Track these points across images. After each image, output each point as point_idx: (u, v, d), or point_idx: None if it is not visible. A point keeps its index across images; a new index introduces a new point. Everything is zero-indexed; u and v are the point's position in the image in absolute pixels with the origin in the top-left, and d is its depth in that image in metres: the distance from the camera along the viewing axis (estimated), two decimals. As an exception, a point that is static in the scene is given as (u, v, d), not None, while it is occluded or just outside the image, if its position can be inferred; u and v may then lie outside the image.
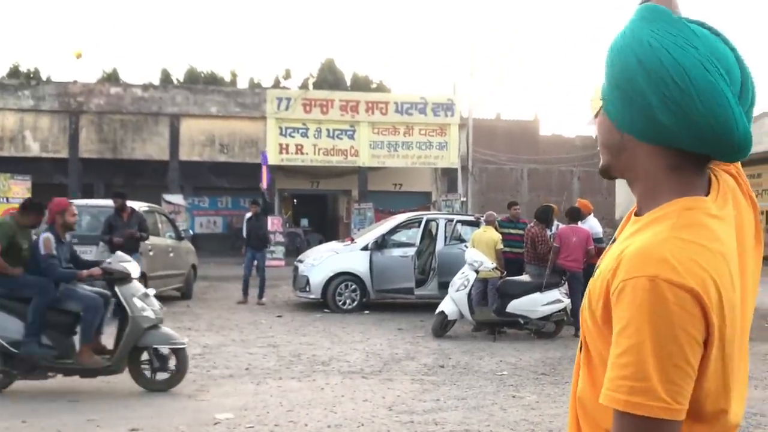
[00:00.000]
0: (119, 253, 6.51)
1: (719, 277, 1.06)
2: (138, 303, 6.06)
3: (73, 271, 6.21)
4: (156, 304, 6.29)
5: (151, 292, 6.42)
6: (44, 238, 6.10)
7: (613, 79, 1.16)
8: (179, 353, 6.20)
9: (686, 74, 1.08)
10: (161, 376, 6.20)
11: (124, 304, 6.03)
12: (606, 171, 1.29)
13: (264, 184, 15.64)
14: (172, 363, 6.21)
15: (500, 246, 10.10)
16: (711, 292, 1.04)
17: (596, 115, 1.25)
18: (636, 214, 1.23)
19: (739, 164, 1.27)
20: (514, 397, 6.19)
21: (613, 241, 1.30)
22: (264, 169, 17.63)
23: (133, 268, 6.30)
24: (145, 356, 6.18)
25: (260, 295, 12.24)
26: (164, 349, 6.20)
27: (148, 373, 6.19)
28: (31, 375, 6.03)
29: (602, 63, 1.20)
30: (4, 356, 5.90)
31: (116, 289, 6.10)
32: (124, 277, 6.16)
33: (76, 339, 6.13)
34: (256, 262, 12.38)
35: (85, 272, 6.14)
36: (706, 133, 1.09)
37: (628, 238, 1.16)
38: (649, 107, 1.11)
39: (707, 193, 1.16)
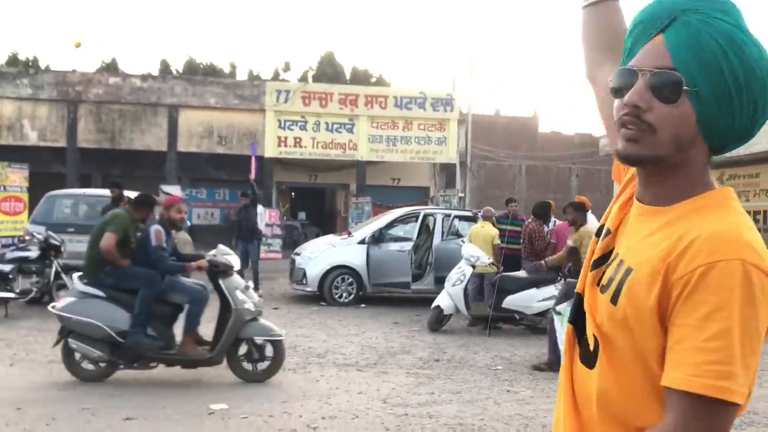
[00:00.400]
0: (221, 246, 6.58)
1: None
2: (240, 295, 6.16)
3: (181, 263, 6.33)
4: (255, 296, 6.41)
5: (250, 284, 6.52)
6: (155, 230, 6.18)
7: (745, 86, 1.10)
8: (276, 344, 6.25)
9: None
10: (260, 366, 6.26)
11: (228, 296, 6.13)
12: (651, 160, 1.16)
13: (252, 176, 15.52)
14: (268, 352, 6.27)
15: (497, 241, 10.10)
16: None
17: (665, 101, 1.12)
18: (644, 202, 1.21)
19: None
20: (508, 391, 6.20)
21: (601, 228, 1.28)
22: (253, 160, 17.52)
23: (235, 260, 6.41)
24: (243, 348, 6.23)
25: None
26: (261, 341, 6.24)
27: (246, 365, 6.24)
28: (135, 365, 6.08)
29: (703, 58, 1.10)
30: (111, 346, 5.96)
31: (220, 281, 6.19)
32: (227, 270, 6.25)
33: (177, 330, 6.24)
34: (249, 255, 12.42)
35: (193, 264, 6.25)
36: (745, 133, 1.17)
37: (669, 225, 1.14)
38: (762, 117, 1.14)
39: None
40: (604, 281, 1.19)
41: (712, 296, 1.03)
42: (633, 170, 1.28)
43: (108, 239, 6.04)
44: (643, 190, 1.21)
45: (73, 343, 5.94)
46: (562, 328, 6.75)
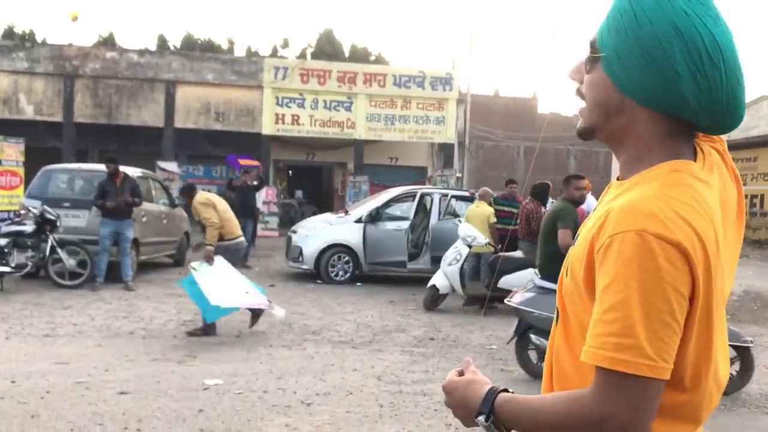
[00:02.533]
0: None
1: (705, 235, 1.04)
2: None
3: None
4: None
5: None
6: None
7: (636, 41, 1.09)
8: (743, 353, 5.49)
9: (719, 48, 1.07)
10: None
11: None
12: (589, 132, 1.22)
13: (237, 170, 15.30)
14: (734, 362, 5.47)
15: (493, 220, 10.09)
16: (697, 249, 1.03)
17: (587, 71, 1.19)
18: (619, 179, 1.21)
19: (724, 142, 1.27)
20: (502, 371, 6.23)
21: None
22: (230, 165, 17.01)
23: None
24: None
25: (244, 261, 12.77)
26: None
27: None
28: None
29: (611, 20, 1.14)
30: None
31: None
32: None
33: None
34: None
35: None
36: (720, 108, 1.09)
37: (613, 199, 1.14)
38: (674, 76, 1.07)
39: (694, 160, 1.16)
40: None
41: (612, 268, 1.03)
42: None
43: (564, 235, 5.97)
44: (618, 165, 1.24)
45: (537, 339, 5.74)
46: (197, 284, 6.89)
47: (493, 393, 1.18)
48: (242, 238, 7.96)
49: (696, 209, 1.05)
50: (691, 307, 1.04)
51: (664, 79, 1.08)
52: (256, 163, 14.52)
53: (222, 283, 7.04)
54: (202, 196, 7.64)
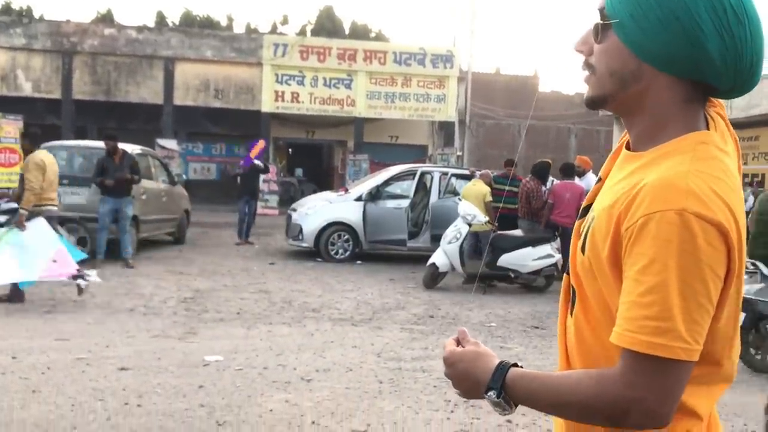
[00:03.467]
0: None
1: (738, 211, 1.02)
2: None
3: None
4: None
5: None
6: None
7: (655, 0, 1.05)
8: None
9: (743, 3, 1.03)
10: None
11: None
12: (599, 102, 1.17)
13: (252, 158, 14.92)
14: None
15: (489, 198, 10.09)
16: (732, 228, 1.00)
17: (598, 41, 1.13)
18: (630, 150, 1.17)
19: (723, 106, 1.22)
20: (501, 348, 6.25)
21: (599, 181, 1.25)
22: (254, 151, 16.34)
23: None
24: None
25: (246, 238, 13.37)
26: None
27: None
28: None
29: None
30: None
31: None
32: None
33: None
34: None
35: None
36: (745, 67, 1.06)
37: (636, 172, 1.09)
38: (698, 35, 1.03)
39: (707, 129, 1.12)
40: (582, 230, 1.18)
41: (649, 249, 0.99)
42: None
43: None
44: (629, 136, 1.19)
45: None
46: None
47: (504, 368, 1.14)
48: (54, 207, 7.61)
49: (728, 184, 1.03)
50: (725, 285, 1.02)
51: (688, 39, 1.04)
52: (262, 145, 14.43)
53: (21, 255, 6.79)
54: (38, 155, 7.36)
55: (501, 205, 10.25)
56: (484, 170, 11.11)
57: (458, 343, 1.24)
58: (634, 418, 1.01)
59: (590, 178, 10.42)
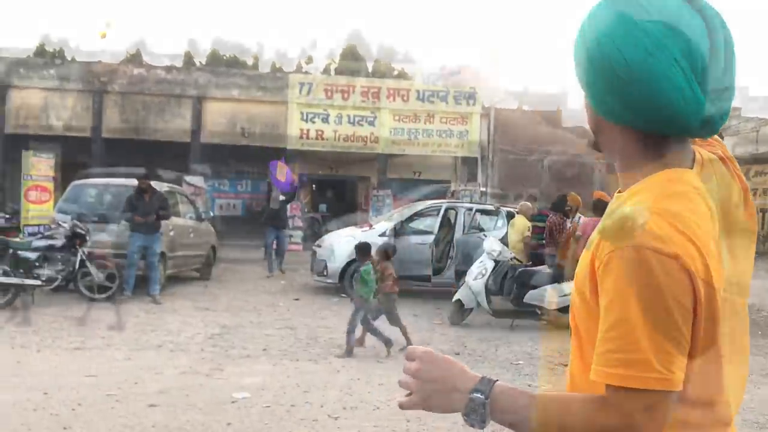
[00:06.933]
0: None
1: (703, 244, 1.03)
2: None
3: None
4: None
5: None
6: None
7: (581, 64, 1.16)
8: None
9: (626, 61, 1.06)
10: None
11: None
12: (593, 145, 1.29)
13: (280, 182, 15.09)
14: None
15: (527, 234, 10.14)
16: (696, 258, 1.02)
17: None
18: (619, 191, 1.22)
19: (724, 145, 1.27)
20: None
21: None
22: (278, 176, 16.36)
23: None
24: None
25: (279, 268, 13.85)
26: None
27: None
28: None
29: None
30: None
31: None
32: None
33: None
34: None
35: None
36: (655, 115, 1.08)
37: (612, 212, 1.15)
38: (599, 91, 1.13)
39: (691, 168, 1.15)
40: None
41: (612, 285, 1.03)
42: None
43: None
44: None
45: None
46: None
47: (490, 379, 1.15)
48: None
49: (691, 219, 1.05)
50: (695, 317, 1.03)
51: (594, 94, 1.15)
52: (284, 167, 14.68)
53: None
54: None
55: (536, 242, 10.28)
56: (523, 202, 11.17)
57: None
58: None
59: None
